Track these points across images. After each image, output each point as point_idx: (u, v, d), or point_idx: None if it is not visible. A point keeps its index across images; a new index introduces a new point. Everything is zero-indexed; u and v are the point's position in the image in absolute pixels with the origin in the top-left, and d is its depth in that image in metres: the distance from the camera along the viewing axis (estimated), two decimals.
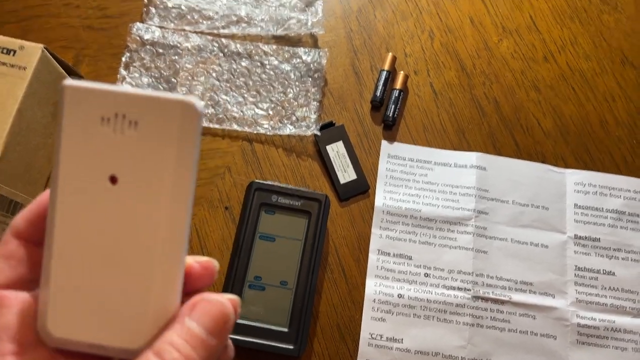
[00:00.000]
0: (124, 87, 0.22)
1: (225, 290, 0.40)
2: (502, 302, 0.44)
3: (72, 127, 0.21)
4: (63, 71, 0.44)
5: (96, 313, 0.21)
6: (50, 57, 0.42)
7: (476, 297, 0.44)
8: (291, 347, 0.39)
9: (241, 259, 0.41)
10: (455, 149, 0.49)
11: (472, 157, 0.48)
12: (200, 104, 0.21)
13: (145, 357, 0.19)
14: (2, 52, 0.40)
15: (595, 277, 0.45)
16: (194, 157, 0.22)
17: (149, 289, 0.21)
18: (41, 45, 0.41)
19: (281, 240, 0.42)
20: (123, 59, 0.48)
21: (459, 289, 0.44)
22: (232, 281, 0.40)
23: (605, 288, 0.45)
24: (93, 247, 0.21)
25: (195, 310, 0.20)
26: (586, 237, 0.46)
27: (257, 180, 0.43)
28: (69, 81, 0.21)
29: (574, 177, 0.48)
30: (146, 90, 0.24)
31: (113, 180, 0.21)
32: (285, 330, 0.40)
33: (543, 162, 0.49)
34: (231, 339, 0.39)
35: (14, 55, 0.40)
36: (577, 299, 0.45)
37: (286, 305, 0.40)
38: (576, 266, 0.46)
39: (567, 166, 0.49)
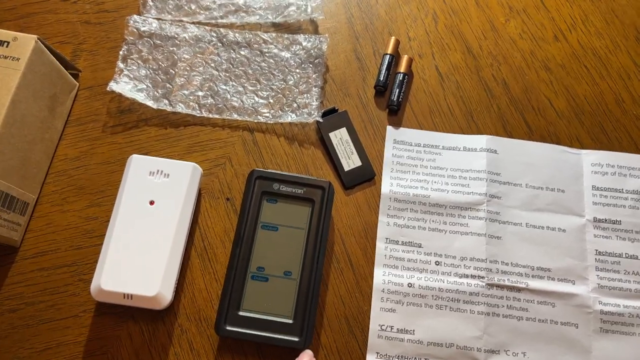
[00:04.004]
0: (162, 159, 0.42)
1: (226, 282, 0.39)
2: (519, 290, 0.42)
3: (133, 175, 0.41)
4: (59, 64, 0.43)
5: (130, 276, 0.38)
6: (45, 48, 0.41)
7: (491, 285, 0.42)
8: (296, 339, 0.37)
9: (243, 250, 0.39)
10: (463, 132, 0.47)
11: (482, 140, 0.46)
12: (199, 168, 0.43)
13: None
14: None
15: (618, 262, 0.43)
16: (196, 193, 0.42)
17: (162, 262, 0.38)
18: (35, 36, 0.40)
19: (284, 229, 0.40)
20: (121, 52, 0.47)
21: (472, 276, 0.42)
22: (234, 272, 0.39)
23: (628, 272, 0.42)
24: (134, 238, 0.39)
25: None
26: (606, 220, 0.44)
27: (258, 169, 0.42)
28: (136, 155, 0.42)
29: (590, 157, 0.46)
30: (173, 159, 0.42)
31: (151, 203, 0.40)
32: (290, 322, 0.38)
33: (557, 143, 0.46)
34: (234, 332, 0.37)
35: (7, 46, 0.39)
36: (599, 284, 0.42)
37: (291, 296, 0.39)
38: (597, 250, 0.43)
39: (582, 147, 0.46)
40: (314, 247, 0.40)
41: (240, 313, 0.38)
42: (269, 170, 0.42)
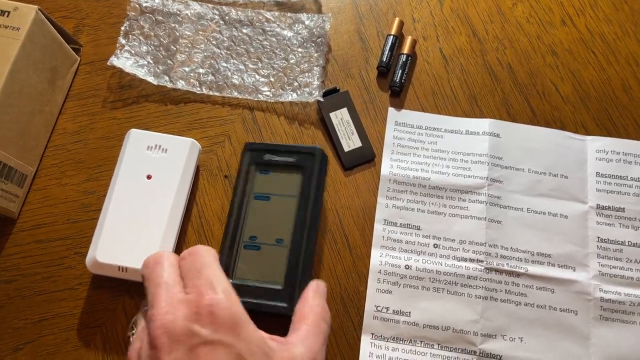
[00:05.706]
0: (161, 134, 0.41)
1: (221, 252, 0.38)
2: (518, 275, 0.41)
3: (131, 149, 0.40)
4: (59, 36, 0.43)
5: (126, 249, 0.38)
6: (46, 19, 0.41)
7: (489, 269, 0.41)
8: (285, 304, 0.37)
9: (235, 221, 0.39)
10: (466, 116, 0.46)
11: (484, 124, 0.45)
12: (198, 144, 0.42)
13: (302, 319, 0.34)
14: None
15: (620, 249, 0.42)
16: (193, 169, 0.41)
17: (158, 236, 0.38)
18: (35, 7, 0.40)
19: (276, 198, 0.40)
20: (122, 27, 0.47)
21: (471, 260, 0.41)
22: (227, 243, 0.39)
23: (630, 260, 0.42)
24: (130, 211, 0.39)
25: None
26: (609, 207, 0.43)
27: (250, 142, 0.41)
28: (135, 130, 0.41)
29: (595, 144, 0.45)
30: (172, 135, 0.42)
31: (149, 177, 0.40)
32: (279, 287, 0.37)
33: (562, 129, 0.46)
34: None
35: (7, 16, 0.39)
36: (600, 271, 0.41)
37: (282, 263, 0.38)
38: (599, 237, 0.42)
39: (587, 133, 0.46)
40: (306, 214, 0.39)
41: (232, 282, 0.38)
42: (261, 143, 0.41)
